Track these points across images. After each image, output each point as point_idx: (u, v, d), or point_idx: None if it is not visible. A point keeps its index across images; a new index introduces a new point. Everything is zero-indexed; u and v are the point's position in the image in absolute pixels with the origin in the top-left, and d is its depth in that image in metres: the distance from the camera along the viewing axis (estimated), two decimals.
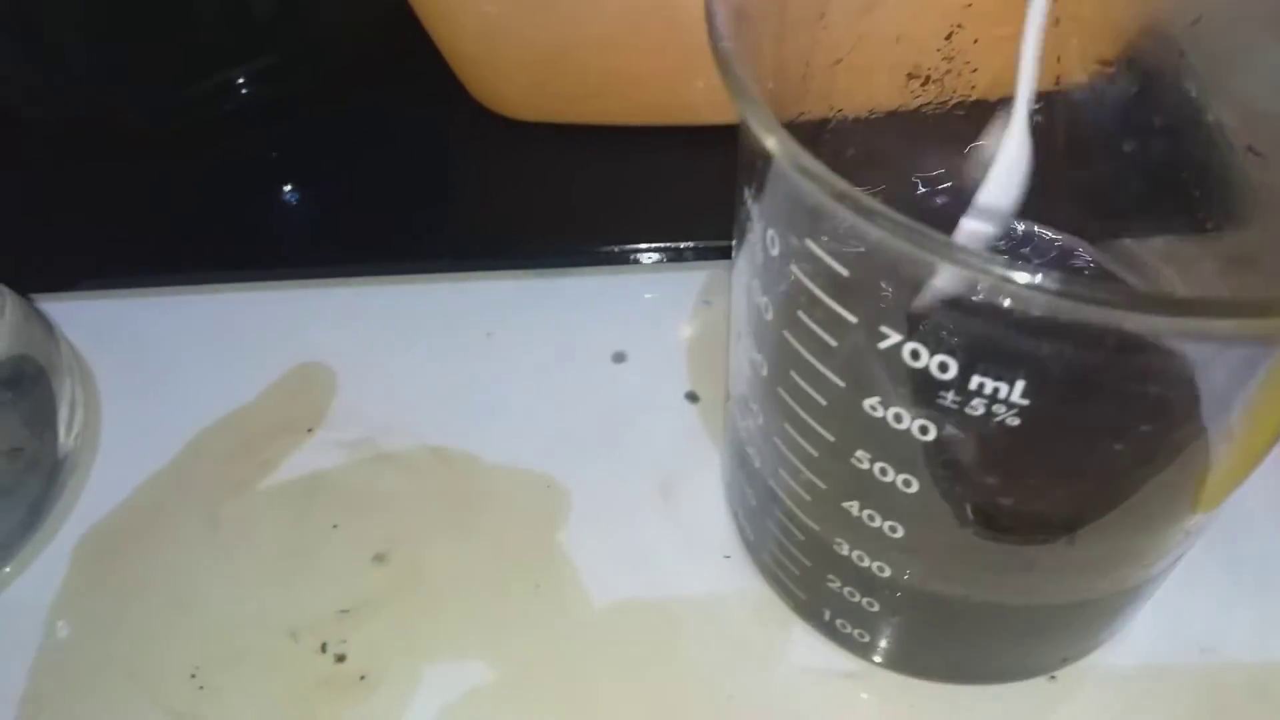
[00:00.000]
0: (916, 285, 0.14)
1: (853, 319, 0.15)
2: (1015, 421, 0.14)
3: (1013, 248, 0.23)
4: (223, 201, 0.33)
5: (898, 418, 0.15)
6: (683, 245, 0.31)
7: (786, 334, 0.16)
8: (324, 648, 0.23)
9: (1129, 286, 0.20)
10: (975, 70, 0.21)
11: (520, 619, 0.24)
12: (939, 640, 0.22)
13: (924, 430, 0.15)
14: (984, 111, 0.22)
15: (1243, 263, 0.21)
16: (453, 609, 0.24)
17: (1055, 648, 0.22)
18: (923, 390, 0.15)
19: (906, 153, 0.23)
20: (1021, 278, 0.12)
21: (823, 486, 0.18)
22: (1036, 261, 0.23)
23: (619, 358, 0.29)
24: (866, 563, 0.19)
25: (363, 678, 0.23)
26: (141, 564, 0.25)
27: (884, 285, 0.14)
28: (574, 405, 0.28)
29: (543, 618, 0.24)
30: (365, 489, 0.26)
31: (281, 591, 0.24)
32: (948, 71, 0.21)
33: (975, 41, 0.21)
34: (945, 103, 0.22)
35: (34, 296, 0.29)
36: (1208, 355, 0.15)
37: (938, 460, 0.16)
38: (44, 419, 0.26)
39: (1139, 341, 0.14)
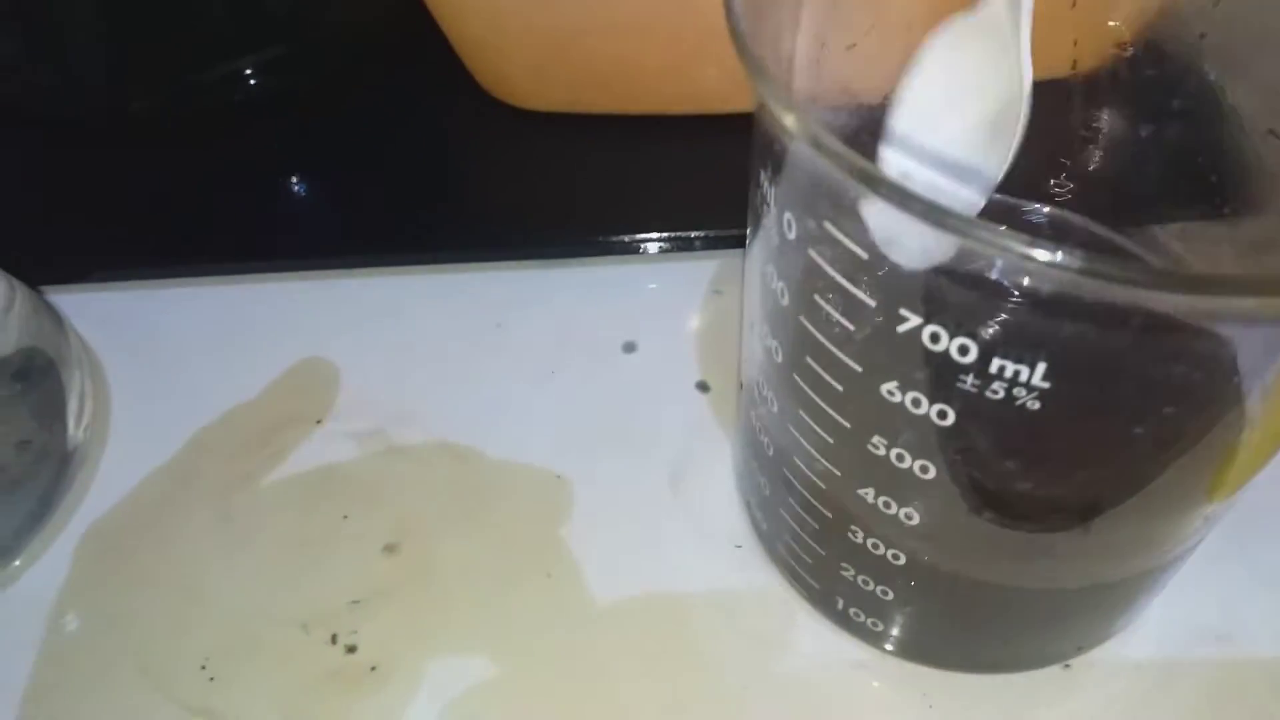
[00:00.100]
0: (938, 266, 0.13)
1: (871, 302, 0.15)
2: (1035, 405, 0.14)
3: (1029, 230, 0.23)
4: (231, 193, 0.33)
5: (916, 402, 0.15)
6: (693, 234, 0.30)
7: (803, 319, 0.16)
8: (334, 639, 0.23)
9: (1152, 264, 0.20)
10: None
11: (531, 609, 0.24)
12: (953, 628, 0.22)
13: (942, 415, 0.15)
14: None
15: (1261, 247, 0.21)
16: (464, 600, 0.24)
17: (1070, 636, 0.22)
18: (942, 374, 0.14)
19: None
20: (1045, 256, 0.12)
21: (838, 474, 0.18)
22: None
23: (629, 348, 0.29)
24: (881, 550, 0.19)
25: (373, 669, 0.23)
26: (151, 556, 0.25)
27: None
28: (584, 396, 0.28)
29: (554, 608, 0.24)
30: (375, 480, 0.26)
31: (292, 582, 0.24)
32: None
33: None
34: None
35: (43, 289, 0.29)
36: (1229, 336, 0.15)
37: (956, 445, 0.16)
38: (53, 411, 0.26)
39: (1161, 322, 0.14)
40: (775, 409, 0.19)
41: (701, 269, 0.30)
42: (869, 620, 0.21)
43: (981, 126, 0.18)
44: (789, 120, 0.13)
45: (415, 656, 0.23)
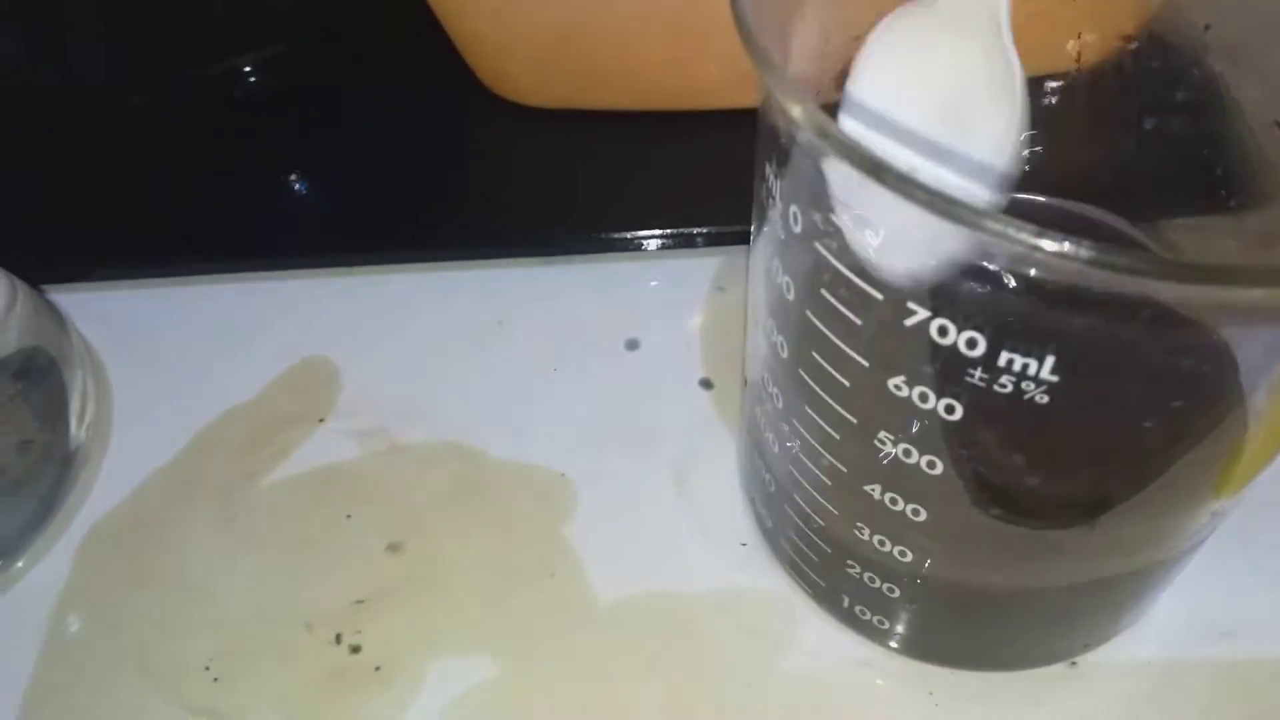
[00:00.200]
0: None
1: (878, 295, 0.14)
2: (1044, 399, 0.14)
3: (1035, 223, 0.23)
4: (232, 192, 0.33)
5: (923, 397, 0.15)
6: (695, 231, 0.30)
7: (809, 313, 0.16)
8: (339, 639, 0.23)
9: (1160, 255, 0.20)
10: None
11: (535, 609, 0.24)
12: (959, 626, 0.22)
13: (950, 410, 0.15)
14: None
15: (1267, 239, 0.21)
16: (468, 598, 0.24)
17: (1076, 633, 0.22)
18: (950, 368, 0.14)
19: None
20: (1053, 246, 0.12)
21: (844, 470, 0.18)
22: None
23: (632, 345, 0.29)
24: (888, 548, 0.19)
25: (378, 668, 0.23)
26: (154, 556, 0.25)
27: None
28: (587, 393, 0.27)
29: (558, 607, 0.24)
30: (378, 479, 0.26)
31: (296, 582, 0.24)
32: None
33: None
34: None
35: (45, 288, 0.29)
36: (1239, 328, 0.14)
37: (963, 440, 0.16)
38: (55, 411, 0.26)
39: (1169, 315, 0.14)
40: (780, 405, 0.19)
41: (704, 265, 0.30)
42: (875, 618, 0.21)
43: (949, 118, 0.17)
44: (796, 111, 0.13)
45: (419, 656, 0.23)
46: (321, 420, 0.27)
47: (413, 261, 0.30)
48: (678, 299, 0.29)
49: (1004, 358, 0.14)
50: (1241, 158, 0.20)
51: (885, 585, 0.20)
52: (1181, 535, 0.19)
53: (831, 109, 0.21)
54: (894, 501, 0.17)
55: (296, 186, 0.33)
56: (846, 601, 0.22)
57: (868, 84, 0.17)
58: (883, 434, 0.16)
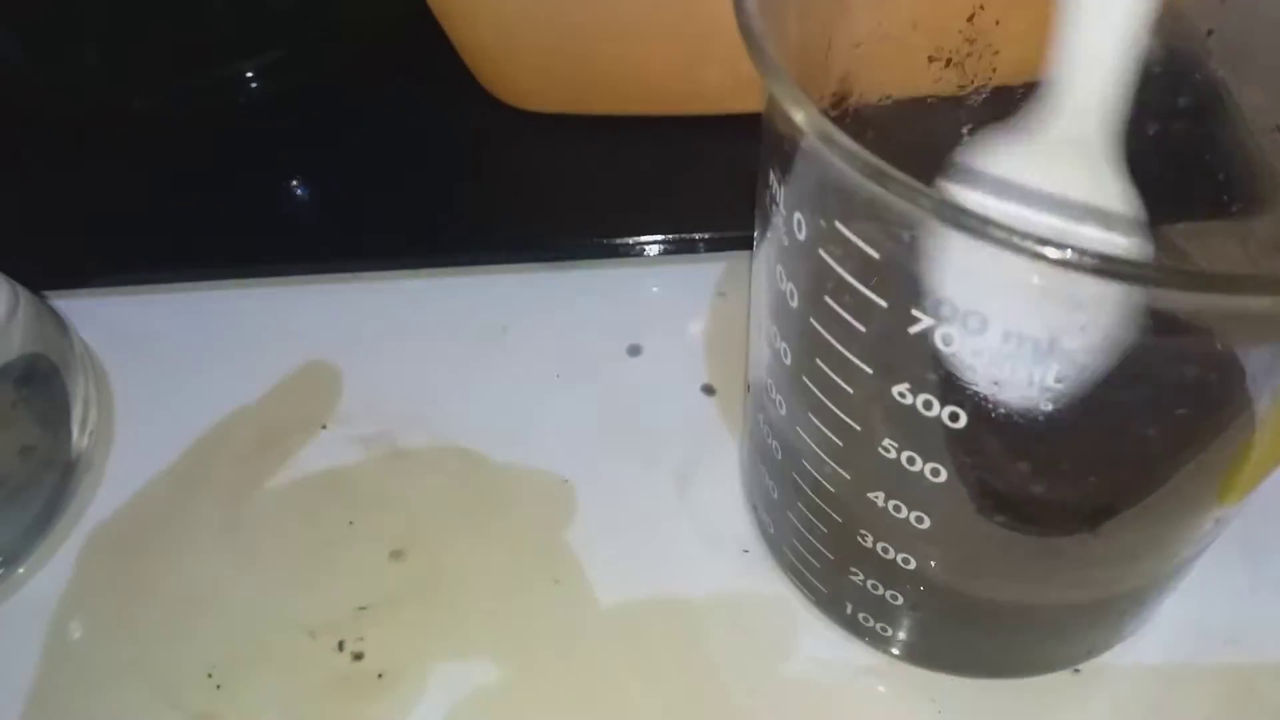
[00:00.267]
0: (951, 265, 0.13)
1: (883, 303, 0.14)
2: (1048, 407, 0.14)
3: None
4: (235, 197, 0.33)
5: (927, 405, 0.15)
6: (697, 236, 0.30)
7: (813, 320, 0.16)
8: (341, 646, 0.23)
9: (1167, 263, 0.20)
10: (997, 53, 0.21)
11: (539, 615, 0.24)
12: (962, 633, 0.22)
13: (954, 417, 0.15)
14: (1005, 95, 0.22)
15: (1269, 245, 0.20)
16: (471, 605, 0.24)
17: (1080, 640, 0.22)
18: (954, 376, 0.14)
19: (926, 136, 0.22)
20: (1057, 254, 0.11)
21: (847, 477, 0.18)
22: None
23: (634, 350, 0.29)
24: (891, 555, 0.19)
25: (380, 675, 0.23)
26: (156, 562, 0.25)
27: (917, 267, 0.14)
28: (589, 399, 0.27)
29: (561, 614, 0.24)
30: (381, 485, 0.26)
31: (299, 589, 0.24)
32: (969, 55, 0.21)
33: (997, 23, 0.21)
34: (966, 86, 0.22)
35: (46, 294, 0.29)
36: (1244, 335, 0.14)
37: (967, 448, 0.16)
38: (57, 417, 0.26)
39: (1174, 323, 0.14)
40: (784, 412, 0.19)
41: (706, 271, 0.30)
42: (877, 625, 0.21)
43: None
44: (801, 117, 0.13)
45: (422, 663, 0.23)
46: (324, 426, 0.27)
47: (415, 267, 0.30)
48: (680, 304, 0.29)
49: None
50: (1244, 163, 0.20)
51: (888, 592, 0.20)
52: (1185, 542, 0.19)
53: (832, 115, 0.21)
54: (897, 509, 0.17)
55: (299, 192, 0.33)
56: (849, 608, 0.22)
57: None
58: (887, 441, 0.16)
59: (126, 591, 0.24)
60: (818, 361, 0.17)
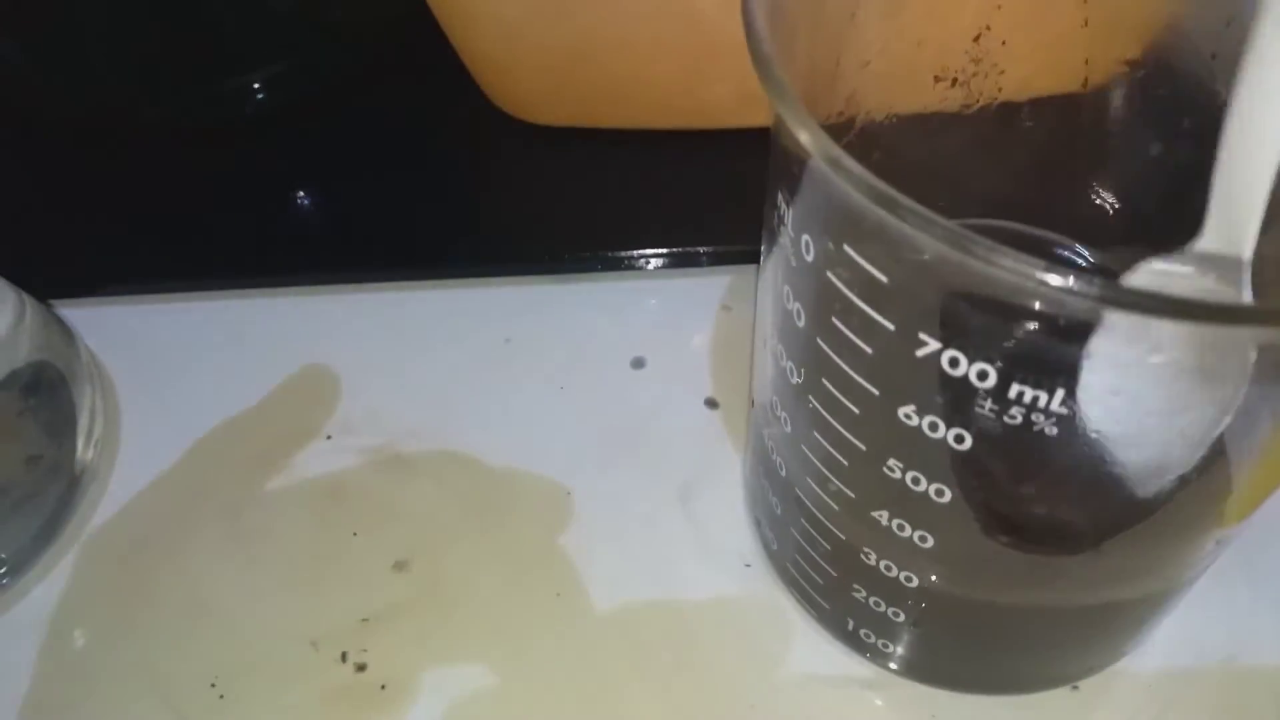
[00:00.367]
0: (959, 291, 0.13)
1: (890, 326, 0.14)
2: (1053, 431, 0.14)
3: (1042, 250, 0.23)
4: (242, 208, 0.33)
5: (933, 426, 0.15)
6: (701, 250, 0.30)
7: (820, 340, 0.16)
8: (344, 657, 0.23)
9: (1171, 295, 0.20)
10: (1002, 73, 0.21)
11: (541, 628, 0.24)
12: (963, 650, 0.22)
13: (959, 439, 0.15)
14: (1010, 113, 0.22)
15: (1273, 266, 0.21)
16: (473, 618, 0.24)
17: (1080, 658, 0.22)
18: (960, 399, 0.14)
19: (933, 153, 0.23)
20: (1063, 282, 0.12)
21: (852, 496, 0.18)
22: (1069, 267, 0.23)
23: (638, 363, 0.29)
24: (894, 572, 0.19)
25: (383, 687, 0.23)
26: (161, 572, 0.25)
27: (925, 291, 0.14)
28: (593, 411, 0.28)
29: (564, 626, 0.24)
30: (385, 496, 0.26)
31: (302, 599, 0.24)
32: (974, 74, 0.21)
33: (1003, 44, 0.21)
34: (971, 104, 0.22)
35: (53, 302, 0.29)
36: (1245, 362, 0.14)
37: (972, 470, 0.16)
38: (64, 426, 0.26)
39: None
40: (789, 429, 0.19)
41: (710, 284, 0.30)
42: (879, 641, 0.21)
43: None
44: (810, 142, 0.13)
45: (425, 676, 0.23)
46: (329, 437, 0.27)
47: (420, 278, 0.30)
48: (684, 318, 0.30)
49: (1015, 390, 0.14)
50: None
51: (890, 609, 0.20)
52: (1186, 563, 0.19)
53: (838, 133, 0.21)
54: (901, 528, 0.17)
55: (305, 203, 0.33)
56: (851, 624, 0.22)
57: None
58: (892, 461, 0.16)
59: (130, 600, 0.24)
60: (824, 381, 0.17)
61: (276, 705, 0.23)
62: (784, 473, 0.20)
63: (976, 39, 0.21)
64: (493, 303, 0.30)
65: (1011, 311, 0.13)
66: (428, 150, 0.34)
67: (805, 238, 0.16)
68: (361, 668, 0.23)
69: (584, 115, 0.32)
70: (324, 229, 0.33)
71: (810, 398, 0.17)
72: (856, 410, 0.16)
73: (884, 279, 0.14)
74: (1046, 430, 0.14)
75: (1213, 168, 0.20)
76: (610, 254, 0.30)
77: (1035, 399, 0.14)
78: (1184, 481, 0.16)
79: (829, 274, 0.15)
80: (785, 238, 0.16)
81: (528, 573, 0.24)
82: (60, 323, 0.28)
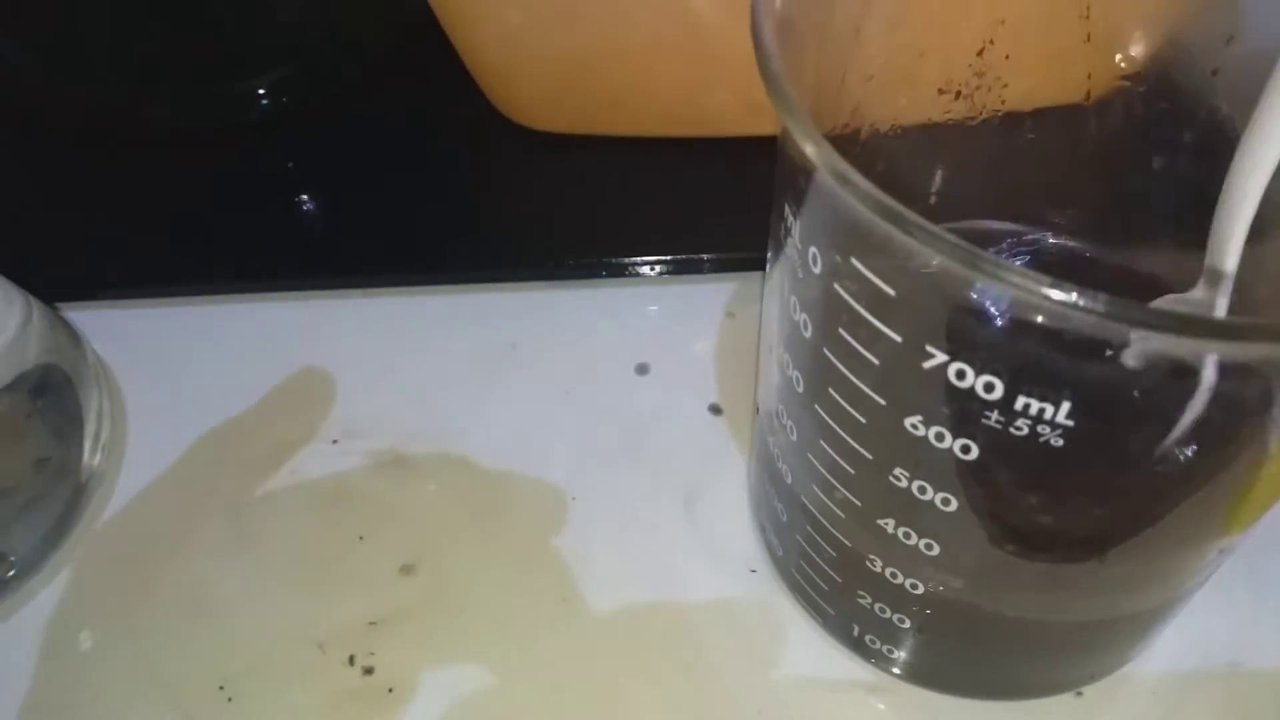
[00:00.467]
0: (965, 304, 0.14)
1: (897, 338, 0.15)
2: (1059, 442, 0.14)
3: (1047, 263, 0.23)
4: (247, 212, 0.33)
5: (939, 437, 0.15)
6: (705, 257, 0.31)
7: (826, 351, 0.16)
8: (352, 660, 0.23)
9: (1177, 310, 0.20)
10: (1006, 86, 0.21)
11: (548, 631, 0.24)
12: (968, 656, 0.22)
13: (966, 449, 0.15)
14: (1013, 125, 0.22)
15: (1273, 279, 0.21)
16: (480, 621, 0.24)
17: (1084, 664, 0.22)
18: (967, 410, 0.15)
19: (936, 164, 0.23)
20: (1067, 298, 0.12)
21: (858, 504, 0.18)
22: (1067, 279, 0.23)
23: (642, 369, 0.29)
24: (899, 579, 0.19)
25: (390, 690, 0.23)
26: (168, 575, 0.25)
27: (932, 304, 0.14)
28: (598, 417, 0.28)
29: (570, 630, 0.24)
30: (392, 500, 0.26)
31: (309, 602, 0.24)
32: (978, 87, 0.22)
33: (1006, 58, 0.21)
34: (975, 116, 0.22)
35: (59, 305, 0.29)
36: (1252, 375, 0.15)
37: (978, 479, 0.16)
38: (71, 428, 0.26)
39: (1186, 362, 0.14)
40: (795, 437, 0.19)
41: (714, 292, 0.30)
42: (884, 647, 0.22)
43: None
44: (817, 156, 0.13)
45: (433, 678, 0.23)
46: (335, 441, 0.27)
47: (426, 284, 0.31)
48: (687, 324, 0.30)
49: (1021, 401, 0.14)
50: None
51: (896, 615, 0.20)
52: (1190, 571, 0.19)
53: (843, 144, 0.21)
54: (908, 536, 0.18)
55: (310, 207, 0.34)
56: (856, 630, 0.22)
57: None
58: (898, 470, 0.17)
59: (138, 603, 0.25)
60: (831, 391, 0.17)
61: (285, 707, 0.23)
62: (789, 480, 0.20)
63: (980, 53, 0.21)
64: (497, 308, 0.30)
65: (1018, 325, 0.13)
66: (432, 156, 0.34)
67: (813, 250, 0.16)
68: (369, 670, 0.23)
69: (587, 122, 0.32)
70: (328, 233, 0.33)
71: (817, 406, 0.17)
72: (863, 420, 0.17)
73: (891, 292, 0.14)
74: (1052, 441, 0.14)
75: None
76: (613, 260, 0.31)
77: (1041, 411, 0.14)
78: (1191, 492, 0.16)
79: (836, 286, 0.15)
80: (792, 249, 0.17)
81: (534, 577, 0.25)
82: (66, 325, 0.28)
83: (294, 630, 0.24)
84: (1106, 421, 0.15)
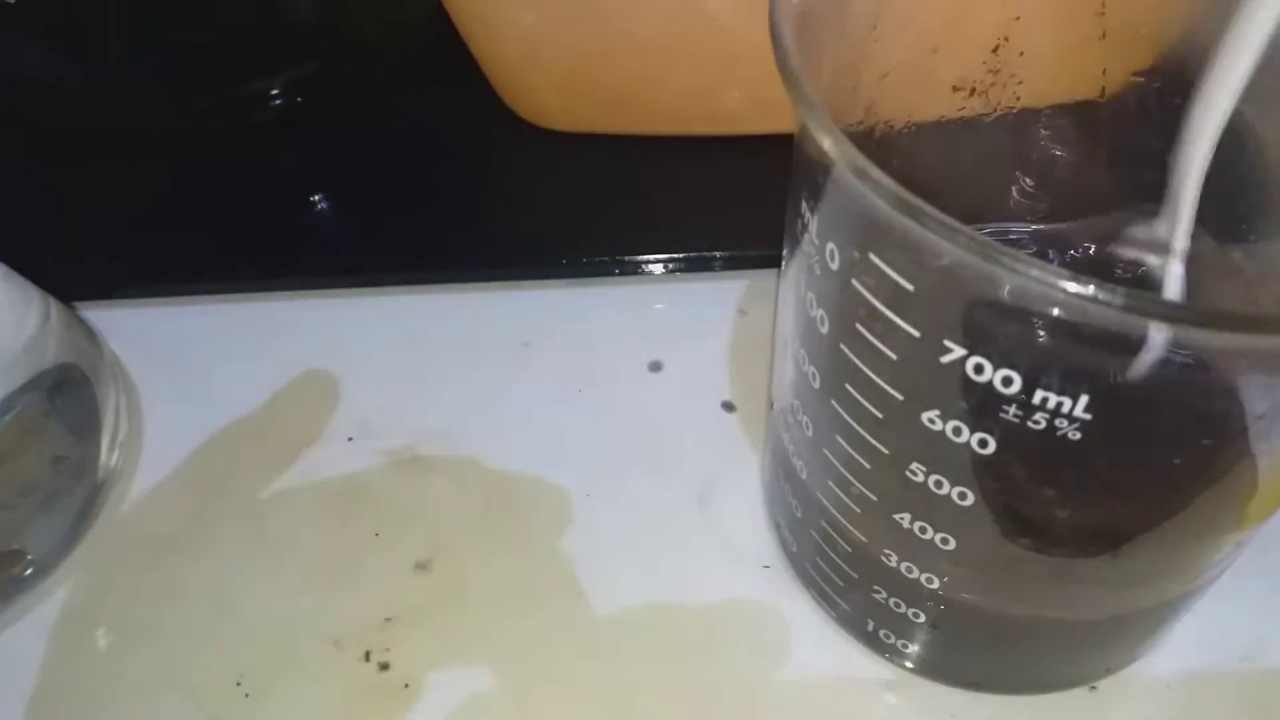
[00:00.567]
0: (983, 298, 0.14)
1: (915, 333, 0.15)
2: (1076, 436, 0.14)
3: (1059, 254, 0.23)
4: (262, 211, 0.33)
5: (957, 431, 0.15)
6: (717, 254, 0.31)
7: (843, 346, 0.16)
8: (368, 656, 0.23)
9: (1195, 304, 0.20)
10: (1020, 83, 0.22)
11: (562, 628, 0.24)
12: (983, 650, 0.22)
13: (983, 444, 0.15)
14: (1027, 122, 0.22)
15: None
16: (494, 618, 0.24)
17: (1098, 658, 0.22)
18: (984, 404, 0.15)
19: (951, 160, 0.23)
20: (1086, 291, 0.12)
21: (874, 499, 0.18)
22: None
23: (655, 367, 0.29)
24: (915, 574, 0.19)
25: (406, 686, 0.23)
26: (184, 571, 0.25)
27: (950, 299, 0.14)
28: (611, 414, 0.28)
29: (584, 627, 0.24)
30: (407, 497, 0.26)
31: (325, 599, 0.24)
32: (993, 84, 0.22)
33: (1021, 54, 0.21)
34: (989, 113, 0.22)
35: (76, 305, 0.29)
36: (1268, 368, 0.15)
37: (995, 474, 0.16)
38: (89, 427, 0.26)
39: (1203, 355, 0.14)
40: (810, 433, 0.19)
41: (727, 289, 0.30)
42: (899, 642, 0.22)
43: None
44: (836, 152, 0.13)
45: (448, 675, 0.23)
46: (350, 439, 0.28)
47: (438, 282, 0.31)
48: (700, 321, 0.30)
49: (1039, 396, 0.14)
50: (1263, 195, 0.21)
51: (910, 610, 0.20)
52: (1205, 565, 0.19)
53: (857, 141, 0.22)
54: (923, 530, 0.18)
55: (324, 206, 0.34)
56: (871, 625, 0.22)
57: None
58: (914, 465, 0.17)
59: (156, 600, 0.25)
60: (847, 386, 0.17)
61: (301, 703, 0.23)
62: (804, 475, 0.20)
63: (995, 50, 0.21)
64: (510, 306, 0.30)
65: (1036, 319, 0.13)
66: (445, 155, 0.34)
67: (830, 246, 0.16)
68: (385, 667, 0.23)
69: (601, 121, 0.32)
70: (343, 232, 0.33)
71: (833, 402, 0.18)
72: (880, 415, 0.17)
73: (909, 287, 0.14)
74: (1070, 435, 0.15)
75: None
76: (626, 258, 0.31)
77: (1059, 405, 0.14)
78: (1208, 485, 0.16)
79: (854, 281, 0.15)
80: (809, 245, 0.17)
81: (548, 573, 0.25)
82: (84, 324, 0.28)
83: (310, 626, 0.24)
84: (1124, 415, 0.15)
